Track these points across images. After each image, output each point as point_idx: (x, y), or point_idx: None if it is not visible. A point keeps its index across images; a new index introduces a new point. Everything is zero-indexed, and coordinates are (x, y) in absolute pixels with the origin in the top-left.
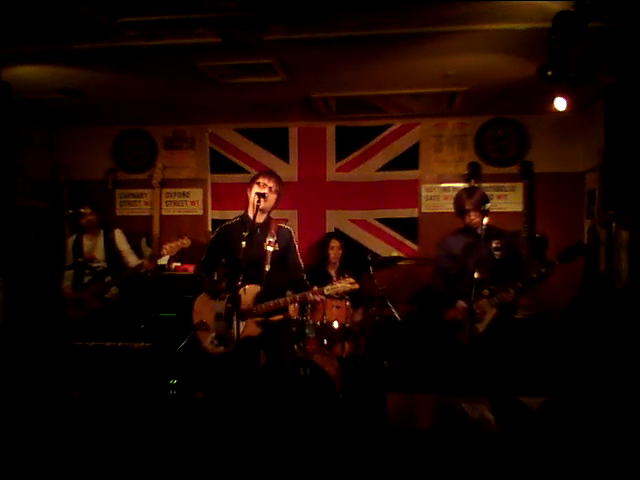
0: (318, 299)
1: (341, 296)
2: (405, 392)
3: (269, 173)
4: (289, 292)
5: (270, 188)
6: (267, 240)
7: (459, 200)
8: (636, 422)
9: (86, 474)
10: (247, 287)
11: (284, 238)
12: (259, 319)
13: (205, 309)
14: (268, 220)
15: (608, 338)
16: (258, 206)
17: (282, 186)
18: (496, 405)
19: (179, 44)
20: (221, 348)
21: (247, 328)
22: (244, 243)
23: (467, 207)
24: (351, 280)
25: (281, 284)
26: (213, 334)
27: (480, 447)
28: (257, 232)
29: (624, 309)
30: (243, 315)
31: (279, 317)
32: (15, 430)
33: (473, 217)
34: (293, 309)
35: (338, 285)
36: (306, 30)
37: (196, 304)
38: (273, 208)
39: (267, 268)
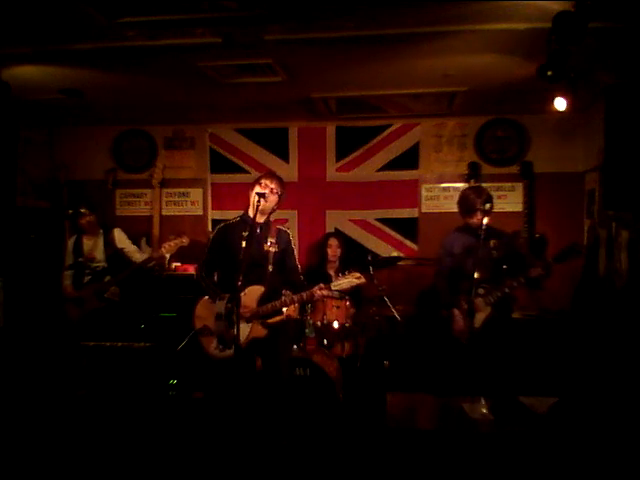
0: (325, 294)
1: (347, 292)
2: (405, 392)
3: (272, 175)
4: (287, 292)
5: (272, 189)
6: (268, 241)
7: (467, 199)
8: (636, 422)
9: (87, 473)
10: (249, 288)
11: (283, 240)
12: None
13: (207, 313)
14: (268, 221)
15: (608, 338)
16: (258, 206)
17: (284, 189)
18: (496, 405)
19: (179, 44)
20: (226, 352)
21: (253, 330)
22: (244, 243)
23: (478, 207)
24: (357, 275)
25: (279, 285)
26: (217, 339)
27: (480, 447)
28: (258, 232)
29: (624, 309)
30: (248, 318)
31: (279, 318)
32: (17, 428)
33: (480, 217)
34: (293, 309)
35: (344, 280)
36: (306, 30)
37: (197, 309)
38: (274, 210)
39: (270, 269)
